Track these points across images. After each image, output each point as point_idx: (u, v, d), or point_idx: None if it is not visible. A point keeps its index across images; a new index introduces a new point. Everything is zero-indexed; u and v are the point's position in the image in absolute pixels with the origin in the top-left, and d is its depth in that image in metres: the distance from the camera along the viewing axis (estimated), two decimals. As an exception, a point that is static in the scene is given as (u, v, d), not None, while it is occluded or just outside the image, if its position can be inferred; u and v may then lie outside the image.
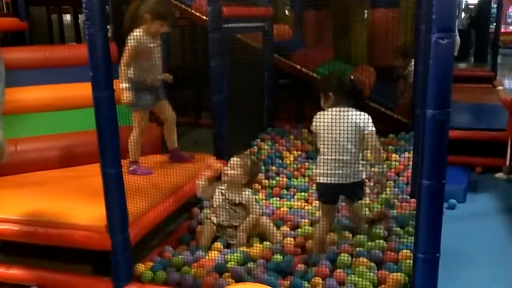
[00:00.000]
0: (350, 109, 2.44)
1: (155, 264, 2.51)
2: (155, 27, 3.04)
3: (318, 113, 2.49)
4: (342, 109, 2.43)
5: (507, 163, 4.16)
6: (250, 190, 2.85)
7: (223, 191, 2.81)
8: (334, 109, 2.43)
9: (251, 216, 2.76)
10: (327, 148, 2.43)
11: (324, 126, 2.39)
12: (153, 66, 3.12)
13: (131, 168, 3.08)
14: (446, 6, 1.71)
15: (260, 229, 2.80)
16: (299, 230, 2.84)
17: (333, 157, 2.42)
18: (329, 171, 2.45)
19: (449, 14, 1.72)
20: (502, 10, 9.85)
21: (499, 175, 4.21)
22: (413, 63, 4.90)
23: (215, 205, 2.83)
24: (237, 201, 2.77)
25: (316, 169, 2.56)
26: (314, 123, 2.49)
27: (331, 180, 2.45)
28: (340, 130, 2.38)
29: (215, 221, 2.82)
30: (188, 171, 3.05)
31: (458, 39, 6.25)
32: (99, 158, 2.27)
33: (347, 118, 2.41)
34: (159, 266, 2.48)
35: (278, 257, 2.53)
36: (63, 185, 3.06)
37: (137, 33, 3.00)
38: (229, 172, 2.77)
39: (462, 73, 6.42)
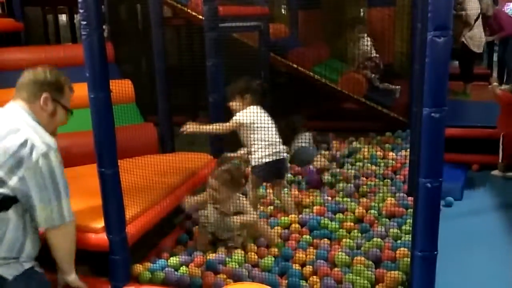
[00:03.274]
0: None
1: (152, 264, 2.50)
2: None
3: (245, 110, 2.96)
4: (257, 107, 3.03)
5: (500, 160, 4.18)
6: (241, 196, 2.76)
7: (216, 205, 2.71)
8: (254, 107, 3.01)
9: (247, 216, 2.68)
10: (264, 134, 2.93)
11: (260, 118, 2.94)
12: None
13: None
14: (442, 4, 1.71)
15: (258, 233, 2.77)
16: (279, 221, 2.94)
17: (271, 140, 2.97)
18: (271, 151, 2.97)
19: (445, 11, 1.72)
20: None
21: (495, 172, 4.22)
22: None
23: (211, 221, 2.72)
24: (232, 211, 2.68)
25: (255, 154, 2.98)
26: (246, 118, 2.93)
27: (274, 158, 2.97)
28: (267, 119, 3.02)
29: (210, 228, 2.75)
30: (185, 171, 3.04)
31: (483, 36, 6.18)
32: (96, 159, 2.27)
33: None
34: (156, 267, 2.47)
35: (268, 260, 2.51)
36: (60, 186, 3.04)
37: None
38: (213, 193, 2.67)
39: (458, 71, 6.42)
